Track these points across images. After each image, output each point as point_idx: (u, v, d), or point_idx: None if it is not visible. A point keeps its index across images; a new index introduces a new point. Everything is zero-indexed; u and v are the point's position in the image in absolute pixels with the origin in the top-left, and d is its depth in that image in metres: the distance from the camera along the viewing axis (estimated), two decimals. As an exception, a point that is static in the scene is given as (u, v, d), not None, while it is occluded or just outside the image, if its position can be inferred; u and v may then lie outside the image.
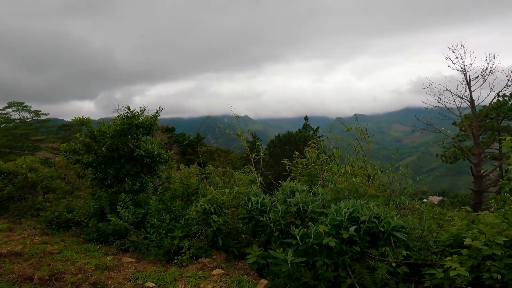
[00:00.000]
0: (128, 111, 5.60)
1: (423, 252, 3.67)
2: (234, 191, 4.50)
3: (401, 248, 3.60)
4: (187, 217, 4.63)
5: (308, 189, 4.40)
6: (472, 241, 3.37)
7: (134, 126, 5.43)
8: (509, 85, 15.45)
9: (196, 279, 3.61)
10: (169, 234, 4.45)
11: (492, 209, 4.52)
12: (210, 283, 3.54)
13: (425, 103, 17.69)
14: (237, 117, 5.57)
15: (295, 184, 4.39)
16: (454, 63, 16.38)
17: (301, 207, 3.96)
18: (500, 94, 16.36)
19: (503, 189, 4.05)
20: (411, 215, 4.44)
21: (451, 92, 16.72)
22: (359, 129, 4.82)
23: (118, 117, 5.57)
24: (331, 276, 3.55)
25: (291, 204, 3.99)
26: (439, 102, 17.12)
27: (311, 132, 32.62)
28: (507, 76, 15.41)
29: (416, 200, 5.08)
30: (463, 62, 16.23)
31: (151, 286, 3.51)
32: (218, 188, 4.83)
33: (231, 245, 4.37)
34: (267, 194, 4.41)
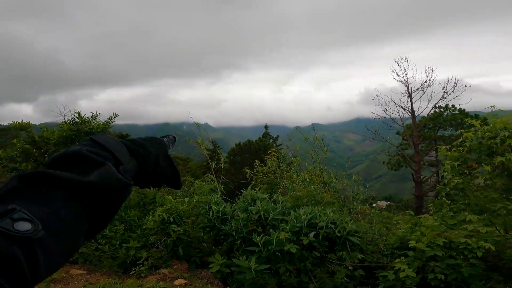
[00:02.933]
0: (77, 116, 5.17)
1: (376, 255, 3.87)
2: (194, 200, 4.39)
3: (356, 252, 3.78)
4: (143, 227, 4.39)
5: (269, 197, 4.48)
6: (416, 243, 3.56)
7: (83, 133, 5.02)
8: (445, 97, 17.39)
9: None
10: (124, 245, 4.20)
11: (431, 213, 4.96)
12: None
13: (373, 113, 19.25)
14: (198, 124, 5.49)
15: (256, 192, 4.43)
16: (398, 75, 18.09)
17: (262, 215, 4.03)
18: (437, 105, 18.41)
19: (440, 193, 4.45)
20: (363, 219, 4.74)
21: (395, 103, 18.38)
22: (315, 139, 5.06)
23: (64, 122, 5.11)
24: (294, 282, 3.60)
25: (253, 212, 4.02)
26: (385, 113, 18.74)
27: (271, 140, 33.30)
28: (443, 89, 17.35)
29: (367, 205, 5.45)
30: (406, 74, 17.99)
31: (107, 298, 3.28)
32: (177, 197, 4.67)
33: (193, 255, 4.27)
34: (228, 203, 4.39)
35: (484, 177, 4.13)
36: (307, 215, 3.78)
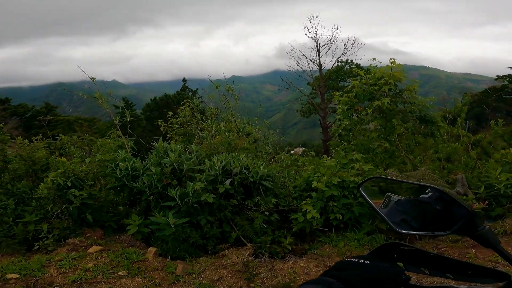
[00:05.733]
0: None
1: (288, 199, 4.05)
2: (97, 159, 3.97)
3: (270, 197, 3.88)
4: (36, 197, 3.83)
5: (184, 148, 4.34)
6: (317, 183, 3.80)
7: None
8: (345, 53, 20.07)
9: (70, 261, 3.20)
10: (19, 220, 3.63)
11: (333, 155, 5.64)
12: (90, 261, 3.21)
13: (288, 66, 20.84)
14: (93, 79, 4.75)
15: (169, 144, 4.26)
16: (309, 32, 19.73)
17: (176, 166, 3.85)
18: (339, 60, 20.89)
19: (334, 135, 5.07)
20: (275, 163, 5.08)
21: (306, 57, 20.25)
22: (227, 87, 5.03)
23: None
24: (217, 233, 3.64)
25: (166, 165, 3.83)
26: (298, 65, 20.50)
27: (190, 93, 31.91)
28: (344, 46, 19.81)
29: (285, 151, 5.88)
30: (316, 31, 19.74)
31: (14, 277, 2.94)
32: (76, 158, 4.14)
33: (107, 219, 3.96)
34: (138, 158, 4.10)
35: (367, 119, 4.88)
36: (221, 162, 3.77)
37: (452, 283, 0.68)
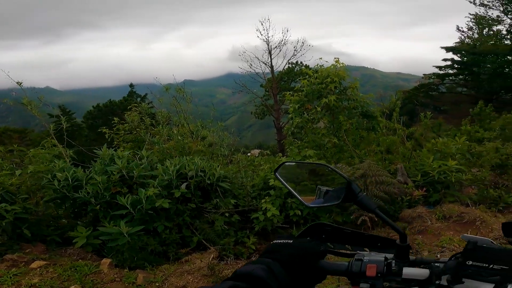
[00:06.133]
0: None
1: (247, 199, 4.05)
2: (29, 171, 3.53)
3: (229, 198, 3.85)
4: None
5: (133, 155, 4.14)
6: (275, 181, 3.83)
7: None
8: (295, 55, 20.94)
9: (11, 277, 2.87)
10: None
11: (287, 153, 5.82)
12: (35, 277, 2.91)
13: (241, 68, 21.07)
14: (20, 83, 4.23)
15: (116, 151, 3.98)
16: (262, 34, 20.20)
17: (125, 174, 3.68)
18: (289, 62, 21.71)
19: (287, 133, 5.27)
20: (233, 165, 5.06)
21: (258, 59, 20.66)
22: (178, 89, 4.88)
23: None
24: (177, 238, 3.52)
25: (113, 172, 3.62)
26: (250, 68, 20.81)
27: (139, 99, 30.38)
28: (294, 48, 20.65)
29: (241, 153, 5.87)
30: (268, 34, 20.27)
31: None
32: (5, 171, 3.64)
33: (48, 233, 3.60)
34: (80, 167, 3.78)
35: (317, 117, 5.14)
36: (175, 166, 3.69)
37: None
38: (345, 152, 4.92)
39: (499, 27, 22.31)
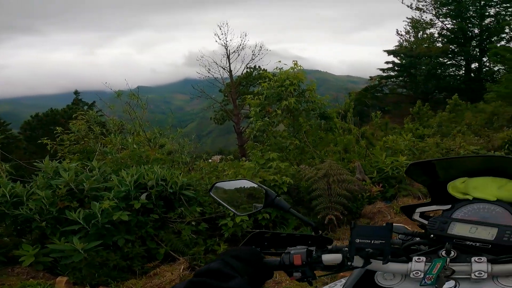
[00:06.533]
0: None
1: (213, 206, 3.93)
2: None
3: (194, 206, 3.72)
4: None
5: (83, 166, 3.80)
6: None
7: None
8: (253, 59, 21.13)
9: None
10: None
11: (250, 157, 5.77)
12: None
13: (199, 73, 20.67)
14: None
15: (61, 163, 3.60)
16: (220, 39, 20.01)
17: (74, 187, 3.38)
18: (248, 66, 21.87)
19: (249, 136, 5.23)
20: (195, 172, 4.87)
21: (217, 64, 20.47)
22: (131, 95, 4.58)
23: None
24: (142, 251, 3.35)
25: (59, 186, 3.33)
26: (209, 73, 20.53)
27: (86, 107, 28.16)
28: (252, 52, 20.84)
29: (203, 160, 5.69)
30: (226, 38, 20.16)
31: None
32: None
33: None
34: (18, 182, 3.41)
35: (277, 120, 5.20)
36: (132, 176, 3.45)
37: None
38: (307, 153, 5.05)
39: (432, 30, 24.73)
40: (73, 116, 5.11)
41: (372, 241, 0.71)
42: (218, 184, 1.09)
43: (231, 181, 1.26)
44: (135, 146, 4.29)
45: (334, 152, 5.38)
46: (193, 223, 3.62)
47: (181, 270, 3.16)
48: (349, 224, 4.07)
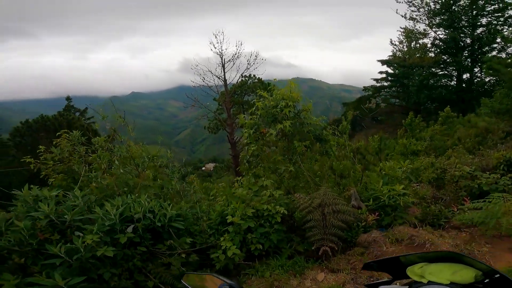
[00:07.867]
0: None
1: (204, 235, 3.79)
2: None
3: (184, 237, 3.55)
4: None
5: (66, 192, 3.58)
6: (232, 217, 3.66)
7: None
8: (248, 68, 21.00)
9: None
10: None
11: (244, 183, 5.47)
12: None
13: (193, 81, 20.46)
14: None
15: (41, 190, 3.39)
16: (215, 47, 19.91)
17: (54, 218, 3.15)
18: (243, 75, 21.74)
19: (242, 161, 5.04)
20: (186, 198, 4.60)
21: (211, 73, 20.29)
22: (117, 117, 4.34)
23: None
24: (129, 285, 3.20)
25: (39, 217, 3.10)
26: (203, 81, 20.33)
27: (78, 114, 27.71)
28: (247, 61, 20.73)
29: (192, 171, 5.45)
30: (221, 46, 20.04)
31: None
32: None
33: None
34: None
35: (272, 140, 5.03)
36: (117, 209, 3.24)
37: None
38: (301, 178, 4.89)
39: (425, 40, 24.86)
40: (56, 134, 4.85)
41: None
42: (189, 274, 1.30)
43: (200, 274, 1.55)
44: (121, 170, 4.07)
45: (328, 175, 5.24)
46: (183, 255, 3.45)
47: (171, 302, 2.97)
48: (343, 253, 3.95)
